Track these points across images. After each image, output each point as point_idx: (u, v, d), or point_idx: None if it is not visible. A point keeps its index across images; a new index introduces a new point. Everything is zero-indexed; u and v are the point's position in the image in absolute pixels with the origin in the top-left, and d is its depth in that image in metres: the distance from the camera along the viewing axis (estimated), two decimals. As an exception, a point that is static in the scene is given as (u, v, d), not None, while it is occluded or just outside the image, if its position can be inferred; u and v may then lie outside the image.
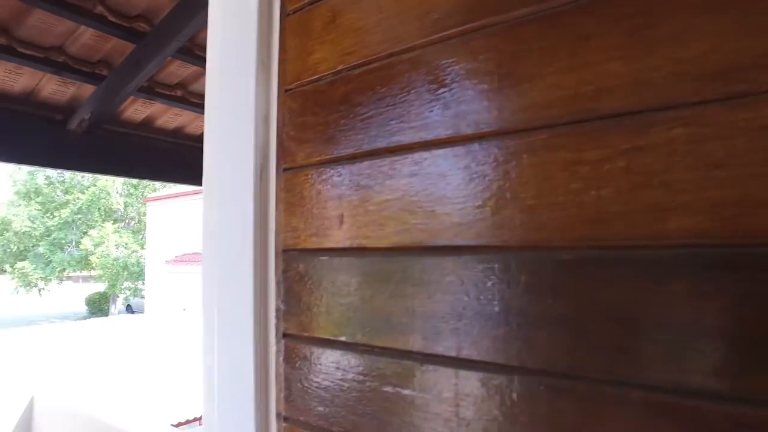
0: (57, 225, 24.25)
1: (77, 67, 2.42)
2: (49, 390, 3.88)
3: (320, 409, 0.59)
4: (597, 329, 0.43)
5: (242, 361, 0.75)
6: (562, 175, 0.45)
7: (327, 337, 0.60)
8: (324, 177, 0.61)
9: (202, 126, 2.88)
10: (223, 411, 0.80)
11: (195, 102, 2.91)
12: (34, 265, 23.55)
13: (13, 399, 3.73)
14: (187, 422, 5.75)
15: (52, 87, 2.50)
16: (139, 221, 26.28)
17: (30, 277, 23.61)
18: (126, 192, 25.83)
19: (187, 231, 19.99)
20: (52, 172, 26.17)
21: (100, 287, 26.46)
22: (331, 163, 0.61)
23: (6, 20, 2.11)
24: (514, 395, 0.46)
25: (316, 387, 0.60)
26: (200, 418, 6.12)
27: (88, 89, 2.56)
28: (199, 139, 3.28)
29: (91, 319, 18.08)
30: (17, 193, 26.43)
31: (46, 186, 25.72)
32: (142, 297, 24.63)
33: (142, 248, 23.25)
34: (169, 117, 3.02)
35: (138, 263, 23.10)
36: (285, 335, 0.65)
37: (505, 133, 0.48)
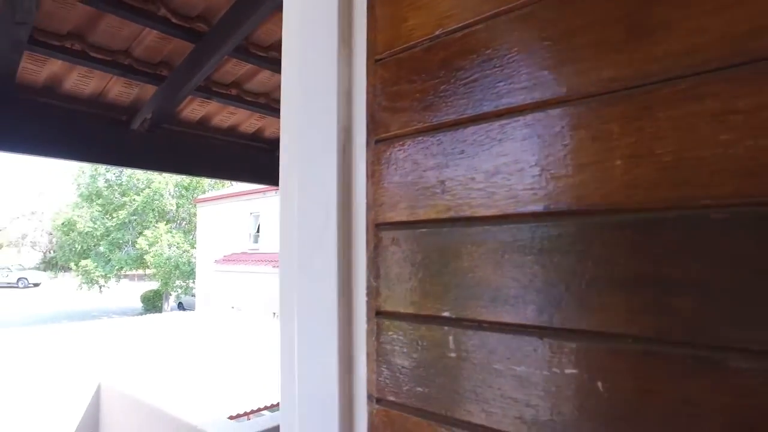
0: (115, 225, 25.48)
1: (141, 68, 2.51)
2: (114, 378, 4.06)
3: (419, 389, 0.57)
4: (755, 297, 0.38)
5: (325, 343, 0.74)
6: (709, 126, 0.41)
7: (427, 313, 0.57)
8: (423, 146, 0.59)
9: (255, 124, 2.92)
10: (305, 395, 0.78)
11: (249, 100, 2.97)
12: (96, 264, 24.83)
13: (84, 384, 3.93)
14: (238, 416, 5.89)
15: (119, 89, 2.60)
16: (190, 222, 27.24)
17: (92, 275, 24.90)
18: (178, 194, 26.82)
19: (235, 232, 20.55)
20: (111, 176, 27.50)
21: (154, 285, 27.60)
22: (430, 131, 0.58)
23: (81, 27, 2.21)
24: (652, 369, 0.42)
25: (414, 366, 0.58)
26: (250, 413, 6.26)
27: (149, 90, 2.65)
28: (251, 137, 3.35)
29: (147, 315, 18.87)
30: (80, 195, 27.95)
31: (105, 189, 27.07)
32: (193, 295, 25.51)
33: (193, 248, 24.08)
34: (224, 116, 3.09)
35: (189, 262, 23.93)
36: (378, 313, 0.63)
37: (636, 87, 0.44)
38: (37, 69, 2.33)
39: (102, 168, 26.54)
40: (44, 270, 43.42)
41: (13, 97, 2.30)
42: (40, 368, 6.90)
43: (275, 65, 2.73)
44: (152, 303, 26.67)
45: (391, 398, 0.60)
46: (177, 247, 24.03)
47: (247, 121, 3.18)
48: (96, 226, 25.42)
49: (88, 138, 2.58)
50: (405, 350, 0.59)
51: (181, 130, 2.97)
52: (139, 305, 27.90)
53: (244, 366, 7.73)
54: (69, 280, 42.52)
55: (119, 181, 27.69)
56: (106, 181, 27.40)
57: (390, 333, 0.61)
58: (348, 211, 0.69)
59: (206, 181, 26.66)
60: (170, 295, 26.68)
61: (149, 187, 25.60)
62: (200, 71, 2.49)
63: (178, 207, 26.56)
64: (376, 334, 0.62)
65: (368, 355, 0.63)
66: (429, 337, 0.56)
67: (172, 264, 23.58)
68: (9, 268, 38.99)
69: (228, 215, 21.13)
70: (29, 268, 42.94)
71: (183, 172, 2.99)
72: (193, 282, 23.94)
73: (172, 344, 8.77)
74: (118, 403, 3.84)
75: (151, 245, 23.75)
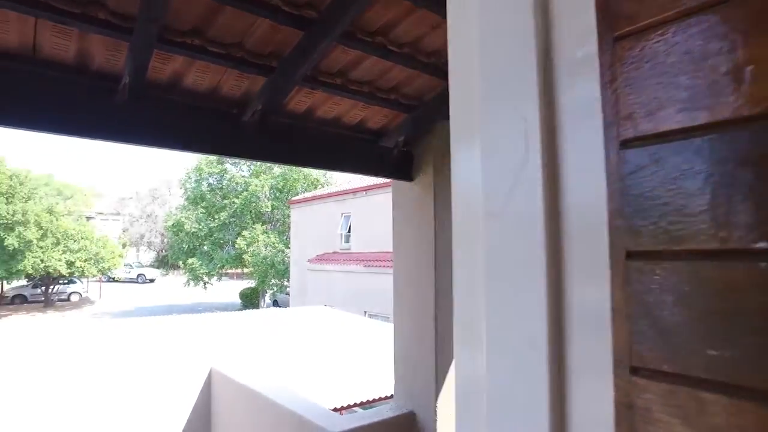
0: (217, 226, 27.34)
1: (252, 60, 2.57)
2: (222, 364, 4.25)
3: (710, 352, 0.42)
4: None
5: (527, 305, 0.60)
6: None
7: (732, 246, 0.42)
8: (697, 28, 0.44)
9: (359, 115, 2.87)
10: (499, 368, 0.66)
11: (353, 89, 2.96)
12: (200, 262, 26.80)
13: (197, 369, 4.15)
14: (341, 409, 5.96)
15: (231, 82, 2.69)
16: (284, 223, 28.51)
17: (197, 272, 26.91)
18: (273, 196, 28.20)
19: (327, 232, 21.16)
20: (213, 180, 29.53)
21: (252, 283, 29.24)
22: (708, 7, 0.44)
23: (201, 22, 2.30)
24: None
25: (696, 321, 0.43)
26: (341, 409, 6.32)
27: (258, 82, 2.71)
28: (354, 128, 3.34)
29: (246, 310, 20.03)
30: (187, 199, 30.32)
31: (208, 192, 29.12)
32: (287, 293, 26.64)
33: (287, 248, 25.16)
34: (329, 107, 3.10)
35: (283, 262, 25.04)
36: (632, 255, 0.49)
37: None
38: (162, 66, 2.46)
39: (205, 173, 28.61)
40: (157, 267, 47.69)
41: (144, 95, 2.45)
42: (160, 352, 7.47)
43: (381, 51, 2.68)
44: (250, 300, 28.27)
45: (659, 367, 0.46)
46: (272, 247, 25.26)
47: (350, 111, 3.18)
48: (200, 227, 27.43)
49: (205, 131, 2.70)
50: (678, 303, 0.44)
51: (288, 121, 3.03)
52: (238, 301, 29.70)
53: (337, 361, 7.87)
54: (178, 276, 46.33)
55: (220, 185, 29.69)
56: (209, 185, 29.49)
57: (649, 282, 0.47)
58: (552, 142, 0.57)
59: (299, 184, 27.79)
60: (266, 292, 28.09)
61: (247, 190, 27.17)
62: (309, 59, 2.51)
63: (273, 209, 27.92)
64: (631, 285, 0.49)
65: (614, 313, 0.50)
66: (718, 284, 0.42)
67: (268, 263, 24.81)
68: (131, 266, 43.41)
69: (320, 216, 21.84)
70: (146, 266, 47.40)
71: (289, 163, 3.04)
72: (287, 280, 25.00)
73: (271, 337, 9.16)
74: (226, 387, 4.02)
75: (248, 245, 25.18)
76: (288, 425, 3.44)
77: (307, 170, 28.04)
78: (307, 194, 24.63)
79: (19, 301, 30.23)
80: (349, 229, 20.27)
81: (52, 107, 2.24)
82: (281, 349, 8.18)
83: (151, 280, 44.01)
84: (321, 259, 19.98)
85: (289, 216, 26.50)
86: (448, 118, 0.83)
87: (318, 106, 3.07)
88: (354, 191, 20.07)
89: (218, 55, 2.46)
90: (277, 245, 25.44)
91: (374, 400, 6.60)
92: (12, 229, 23.44)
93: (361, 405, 6.65)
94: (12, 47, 2.15)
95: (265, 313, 12.96)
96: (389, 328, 11.34)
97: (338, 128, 3.26)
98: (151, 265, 48.74)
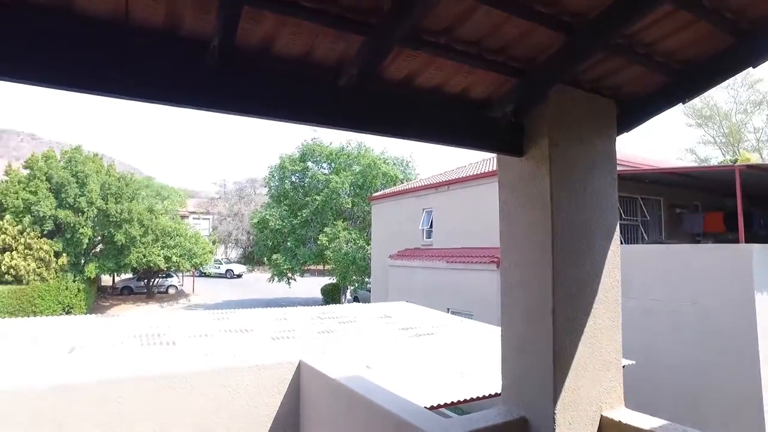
0: (300, 223, 28.08)
1: (350, 16, 2.29)
2: (311, 357, 4.06)
3: None
4: None
5: None
6: None
7: None
8: None
9: (461, 83, 2.46)
10: None
11: (459, 50, 2.60)
12: (284, 258, 27.67)
13: (287, 361, 3.99)
14: (431, 408, 5.62)
15: (326, 45, 2.43)
16: (364, 219, 28.70)
17: (281, 268, 27.81)
18: (353, 193, 28.49)
19: (408, 228, 20.94)
20: (296, 178, 30.37)
21: (333, 279, 29.74)
22: None
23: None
24: None
25: None
26: (437, 407, 5.98)
27: (355, 43, 2.43)
28: (456, 98, 2.98)
29: (328, 305, 20.31)
30: (271, 196, 31.47)
31: (291, 190, 30.02)
32: (367, 290, 26.77)
33: (368, 244, 25.27)
34: (430, 73, 2.76)
35: (364, 258, 25.17)
36: None
37: None
38: (252, 28, 2.24)
39: (288, 171, 29.50)
40: (244, 264, 50.16)
41: (233, 60, 2.25)
42: (249, 343, 7.52)
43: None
44: (331, 296, 28.77)
45: None
46: (353, 243, 25.49)
47: (454, 78, 2.82)
48: (284, 224, 28.32)
49: (297, 98, 2.46)
50: None
51: (386, 90, 2.73)
52: (320, 297, 30.33)
53: (423, 358, 7.52)
54: (263, 272, 48.41)
55: (302, 183, 30.49)
56: (292, 183, 30.40)
57: None
58: None
59: (379, 181, 27.84)
60: (347, 288, 28.44)
61: (327, 187, 27.66)
62: (412, 11, 2.19)
63: (353, 205, 28.21)
64: None
65: None
66: None
67: (349, 259, 25.06)
68: (220, 262, 45.97)
69: (401, 212, 21.68)
70: (233, 262, 50.01)
71: (388, 134, 2.75)
72: (368, 277, 25.11)
73: (356, 331, 9.02)
74: (315, 381, 3.82)
75: (330, 241, 25.60)
76: (382, 425, 3.15)
77: (385, 167, 28.04)
78: (387, 190, 24.56)
79: (126, 292, 32.98)
80: (431, 224, 19.90)
81: (143, 74, 2.09)
82: (367, 345, 7.99)
83: (238, 276, 46.37)
84: (402, 255, 19.79)
85: (369, 212, 26.62)
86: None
87: (419, 71, 2.74)
88: (436, 186, 19.67)
89: (312, 11, 2.20)
90: (357, 241, 25.64)
91: (466, 401, 6.21)
92: (120, 227, 25.46)
93: (452, 405, 6.29)
94: (103, 13, 2.02)
95: (348, 308, 12.92)
96: (477, 325, 10.86)
97: (440, 97, 2.92)
98: (238, 262, 51.38)
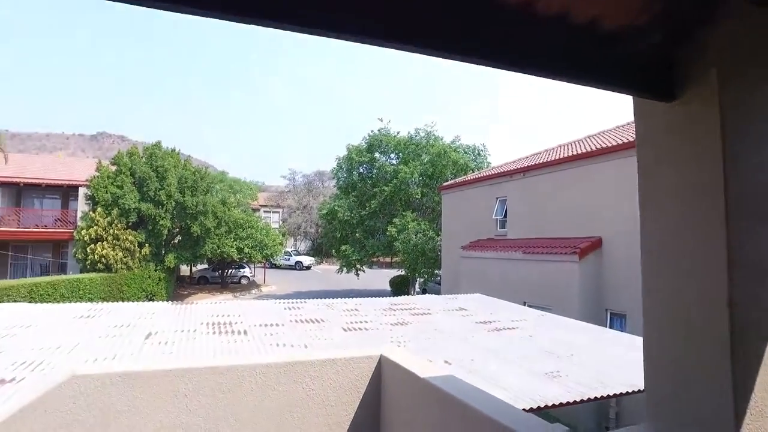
0: (368, 214, 27.86)
1: None
2: (393, 352, 3.53)
3: None
4: None
5: None
6: None
7: None
8: None
9: (593, 11, 1.76)
10: None
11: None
12: (353, 249, 27.58)
13: (367, 356, 3.49)
14: (536, 409, 4.94)
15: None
16: (434, 210, 28.02)
17: (350, 259, 27.75)
18: (422, 183, 27.87)
19: (480, 218, 20.06)
20: (364, 169, 30.15)
21: (402, 271, 29.34)
22: None
23: None
24: None
25: None
26: (536, 410, 5.29)
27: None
28: (587, 28, 2.31)
29: (398, 297, 19.91)
30: (339, 188, 31.54)
31: (359, 181, 29.88)
32: (437, 282, 26.13)
33: (437, 235, 24.60)
34: (554, -8, 2.11)
35: (434, 249, 24.53)
36: None
37: None
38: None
39: (356, 162, 29.35)
40: (312, 255, 51.04)
41: None
42: (323, 335, 7.15)
43: None
44: (400, 287, 28.40)
45: None
46: (422, 234, 24.90)
47: (581, 2, 2.15)
48: (352, 215, 28.21)
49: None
50: None
51: (501, 16, 2.11)
52: (388, 289, 30.06)
53: (506, 356, 6.82)
54: (331, 264, 49.02)
55: (370, 174, 30.26)
56: (359, 174, 30.25)
57: None
58: None
59: (449, 170, 27.04)
60: (416, 280, 27.93)
61: (396, 178, 27.20)
62: None
63: (422, 195, 27.59)
64: None
65: None
66: None
67: (419, 250, 24.51)
68: (289, 253, 47.04)
69: (473, 201, 20.82)
70: (302, 254, 51.04)
71: (505, 66, 2.12)
72: (438, 269, 24.46)
73: (430, 324, 8.44)
74: (398, 379, 3.30)
75: (399, 232, 25.15)
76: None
77: (456, 156, 27.14)
78: (459, 179, 23.72)
79: (203, 282, 34.41)
80: (505, 213, 18.91)
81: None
82: (444, 338, 7.40)
83: (307, 267, 47.23)
84: (475, 246, 18.97)
85: (439, 203, 25.90)
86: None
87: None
88: (511, 173, 18.64)
89: None
90: (427, 232, 25.02)
91: (562, 405, 5.47)
92: (195, 218, 26.41)
93: (542, 409, 5.58)
94: None
95: (420, 299, 12.37)
96: (561, 320, 9.92)
97: (565, 27, 2.26)
98: (307, 253, 52.36)
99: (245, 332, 7.40)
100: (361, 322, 8.40)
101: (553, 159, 16.72)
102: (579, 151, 15.56)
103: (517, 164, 19.55)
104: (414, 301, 11.88)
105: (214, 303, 10.23)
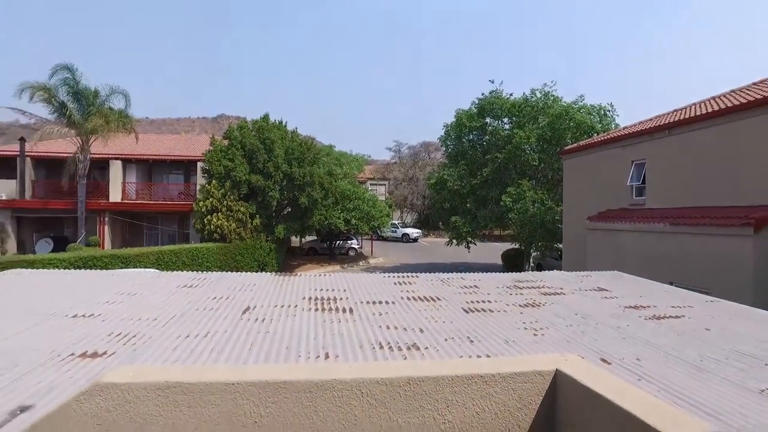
0: (479, 183, 25.99)
1: None
2: (575, 365, 2.13)
3: None
4: None
5: None
6: None
7: None
8: None
9: None
10: None
11: None
12: (463, 220, 25.98)
13: (534, 371, 2.13)
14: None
15: None
16: (553, 177, 25.42)
17: (460, 230, 26.23)
18: (539, 148, 25.32)
19: (611, 184, 17.45)
20: (474, 135, 28.23)
21: (515, 245, 27.22)
22: None
23: None
24: None
25: None
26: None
27: None
28: None
29: (510, 273, 18.13)
30: (448, 156, 29.92)
31: (469, 149, 28.02)
32: (555, 258, 23.74)
33: (557, 206, 22.17)
34: None
35: (553, 221, 22.18)
36: None
37: None
38: None
39: (466, 128, 27.46)
40: (419, 228, 50.19)
41: None
42: (440, 317, 5.90)
43: None
44: (512, 261, 26.38)
45: None
46: (541, 204, 22.60)
47: None
48: (462, 184, 26.53)
49: None
50: None
51: None
52: (500, 263, 28.13)
53: (688, 356, 5.02)
54: (438, 237, 47.85)
55: (481, 141, 28.22)
56: (469, 141, 28.33)
57: None
58: None
59: (570, 133, 24.22)
60: (531, 254, 25.73)
61: (510, 143, 24.94)
62: None
63: (540, 162, 25.09)
64: None
65: None
66: None
67: (536, 221, 22.31)
68: (396, 225, 46.59)
69: (601, 166, 18.19)
70: (409, 226, 50.39)
71: None
72: (558, 242, 22.13)
73: (566, 307, 6.82)
74: (586, 407, 1.92)
75: (514, 202, 23.07)
76: None
77: (579, 116, 24.17)
78: (584, 142, 20.99)
79: (312, 253, 35.06)
80: (643, 179, 16.16)
81: None
82: (591, 327, 5.76)
83: (414, 240, 46.49)
84: (604, 216, 16.52)
85: (559, 169, 23.34)
86: None
87: None
88: (651, 131, 15.80)
89: None
90: (545, 202, 22.65)
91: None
92: (303, 190, 26.49)
93: None
94: None
95: (547, 276, 10.65)
96: (742, 309, 7.73)
97: None
98: (414, 226, 51.62)
99: (351, 310, 6.35)
100: (483, 301, 7.02)
101: (715, 110, 13.69)
102: (756, 97, 12.47)
103: (658, 121, 16.56)
104: (541, 278, 10.19)
105: (319, 275, 9.47)
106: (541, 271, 24.69)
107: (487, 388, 1.95)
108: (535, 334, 5.42)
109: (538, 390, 2.03)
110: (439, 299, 7.17)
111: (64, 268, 9.22)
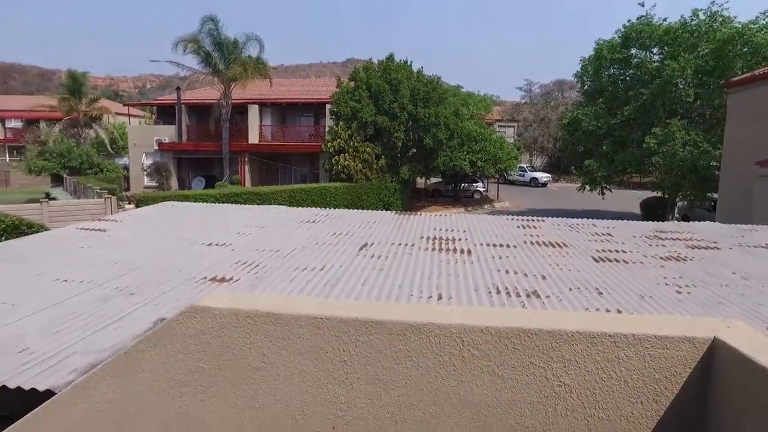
0: (619, 123, 23.47)
1: None
2: (734, 332, 1.74)
3: None
4: None
5: None
6: None
7: None
8: None
9: None
10: None
11: None
12: (597, 164, 23.89)
13: (685, 335, 1.79)
14: None
15: None
16: (711, 116, 22.05)
17: (594, 175, 24.22)
18: (696, 81, 21.93)
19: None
20: (616, 70, 25.34)
21: (657, 192, 24.51)
22: None
23: None
24: None
25: None
26: None
27: None
28: None
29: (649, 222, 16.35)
30: (584, 93, 27.36)
31: (609, 84, 25.25)
32: (708, 209, 21.00)
33: (715, 149, 19.28)
34: None
35: (708, 166, 19.42)
36: None
37: None
38: None
39: (606, 60, 24.61)
40: (549, 172, 47.48)
41: None
42: (574, 265, 5.52)
43: None
44: (653, 212, 23.86)
45: None
46: (693, 147, 19.83)
47: None
48: (599, 124, 24.17)
49: None
50: None
51: None
52: (638, 212, 25.65)
53: None
54: (568, 182, 44.94)
55: (623, 75, 25.22)
56: (609, 76, 25.46)
57: None
58: None
59: (741, 60, 20.51)
60: (677, 204, 23.05)
61: (660, 77, 21.87)
62: None
63: (696, 98, 21.80)
64: None
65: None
66: None
67: (687, 166, 19.70)
68: (524, 169, 44.53)
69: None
70: (538, 170, 47.88)
71: None
72: (713, 191, 19.44)
73: (722, 264, 5.91)
74: (750, 387, 1.56)
75: (660, 144, 20.50)
76: None
77: (760, 38, 20.15)
78: (761, 70, 17.65)
79: (436, 195, 35.14)
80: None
81: None
82: (756, 288, 4.93)
83: (543, 184, 44.15)
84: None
85: (720, 107, 20.11)
86: None
87: None
88: None
89: None
90: (700, 144, 19.80)
91: None
92: (428, 130, 26.25)
93: None
94: None
95: (695, 227, 9.37)
96: None
97: None
98: (543, 170, 48.91)
99: (469, 252, 6.20)
100: (616, 251, 6.40)
101: None
102: None
103: None
104: (689, 229, 8.99)
105: (440, 215, 9.35)
106: (687, 221, 22.14)
107: (617, 351, 1.69)
108: (678, 292, 4.81)
109: (685, 360, 1.70)
110: (566, 245, 6.71)
111: (211, 203, 10.30)
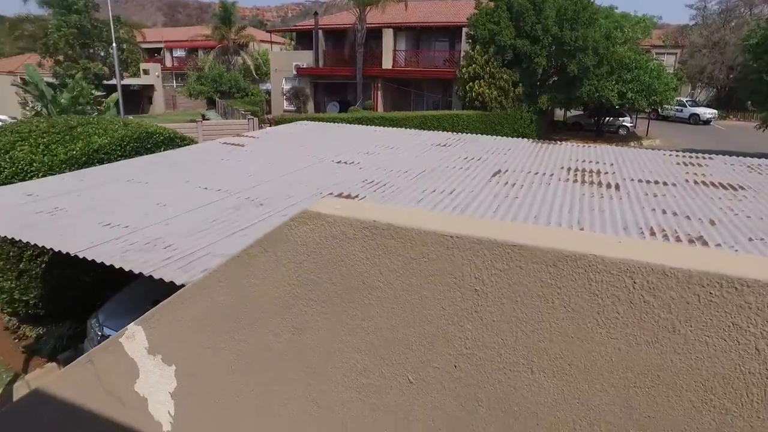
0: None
1: None
2: None
3: None
4: None
5: None
6: None
7: None
8: None
9: None
10: None
11: None
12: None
13: None
14: None
15: None
16: None
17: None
18: None
19: None
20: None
21: None
22: None
23: None
24: None
25: None
26: None
27: None
28: None
29: None
30: None
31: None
32: None
33: None
34: None
35: None
36: None
37: None
38: None
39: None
40: (715, 107, 40.84)
41: None
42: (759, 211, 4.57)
43: None
44: None
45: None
46: None
47: None
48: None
49: None
50: None
51: None
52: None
53: None
54: (742, 120, 38.32)
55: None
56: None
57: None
58: None
59: None
60: None
61: None
62: None
63: None
64: None
65: None
66: None
67: None
68: (683, 103, 38.60)
69: None
70: (701, 105, 41.39)
71: None
72: None
73: None
74: None
75: None
76: None
77: None
78: None
79: (576, 128, 32.33)
80: None
81: None
82: None
83: (706, 122, 38.10)
84: None
85: None
86: None
87: None
88: None
89: None
90: None
91: None
92: (573, 56, 23.67)
93: None
94: None
95: None
96: None
97: None
98: (708, 105, 42.12)
99: (617, 186, 5.45)
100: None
101: None
102: None
103: None
104: None
105: (583, 146, 8.39)
106: None
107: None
108: None
109: None
110: (742, 188, 5.60)
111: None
